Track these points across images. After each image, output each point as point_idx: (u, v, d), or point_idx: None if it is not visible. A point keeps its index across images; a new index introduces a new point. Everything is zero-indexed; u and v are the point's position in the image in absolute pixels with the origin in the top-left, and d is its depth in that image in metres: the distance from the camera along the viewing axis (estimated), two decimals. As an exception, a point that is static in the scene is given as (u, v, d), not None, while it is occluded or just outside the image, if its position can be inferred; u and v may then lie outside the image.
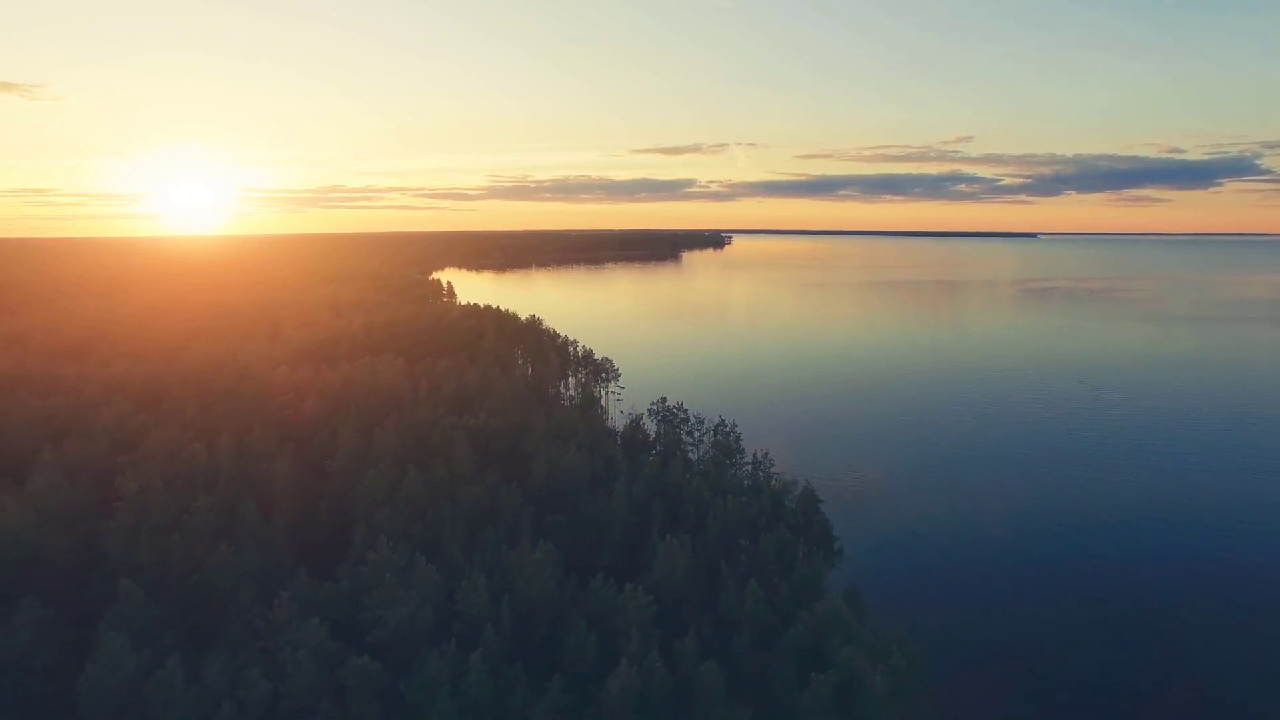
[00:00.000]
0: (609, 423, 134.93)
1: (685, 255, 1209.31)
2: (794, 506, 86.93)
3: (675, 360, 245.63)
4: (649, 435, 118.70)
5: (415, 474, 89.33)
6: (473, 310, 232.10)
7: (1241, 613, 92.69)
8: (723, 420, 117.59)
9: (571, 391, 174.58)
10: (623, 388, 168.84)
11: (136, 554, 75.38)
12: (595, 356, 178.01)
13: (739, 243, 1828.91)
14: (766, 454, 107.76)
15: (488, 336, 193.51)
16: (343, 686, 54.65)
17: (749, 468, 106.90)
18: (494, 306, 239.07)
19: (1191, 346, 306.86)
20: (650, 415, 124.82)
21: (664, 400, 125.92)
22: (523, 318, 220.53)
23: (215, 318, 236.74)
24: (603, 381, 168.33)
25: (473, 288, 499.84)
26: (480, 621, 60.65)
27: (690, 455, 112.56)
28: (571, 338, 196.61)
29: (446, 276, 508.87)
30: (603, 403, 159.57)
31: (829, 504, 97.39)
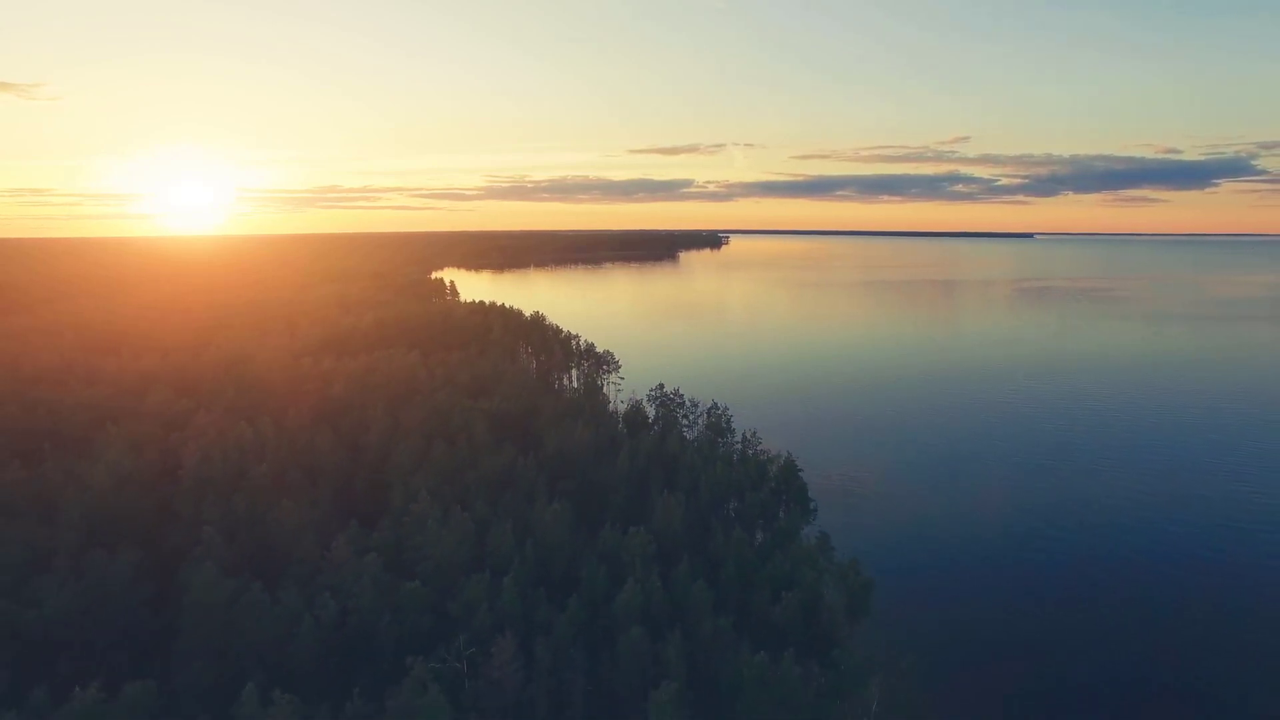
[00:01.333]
0: (611, 408, 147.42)
1: (682, 255, 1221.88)
2: (775, 473, 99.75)
3: (672, 356, 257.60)
4: (648, 417, 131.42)
5: (442, 446, 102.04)
6: (479, 307, 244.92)
7: (1240, 612, 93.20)
8: (715, 403, 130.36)
9: (574, 382, 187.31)
10: (623, 378, 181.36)
11: (204, 511, 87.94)
12: (596, 350, 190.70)
13: (736, 243, 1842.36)
14: (754, 433, 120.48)
15: (494, 331, 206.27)
16: (399, 606, 67.22)
17: (739, 446, 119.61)
18: (499, 304, 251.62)
19: (1187, 346, 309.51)
20: (649, 400, 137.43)
21: (661, 387, 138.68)
22: (526, 314, 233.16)
23: (229, 315, 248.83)
24: (604, 373, 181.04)
25: (473, 287, 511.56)
26: (508, 558, 73.31)
27: (686, 435, 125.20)
28: (573, 333, 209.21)
29: (447, 276, 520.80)
30: (604, 391, 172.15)
31: (825, 501, 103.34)
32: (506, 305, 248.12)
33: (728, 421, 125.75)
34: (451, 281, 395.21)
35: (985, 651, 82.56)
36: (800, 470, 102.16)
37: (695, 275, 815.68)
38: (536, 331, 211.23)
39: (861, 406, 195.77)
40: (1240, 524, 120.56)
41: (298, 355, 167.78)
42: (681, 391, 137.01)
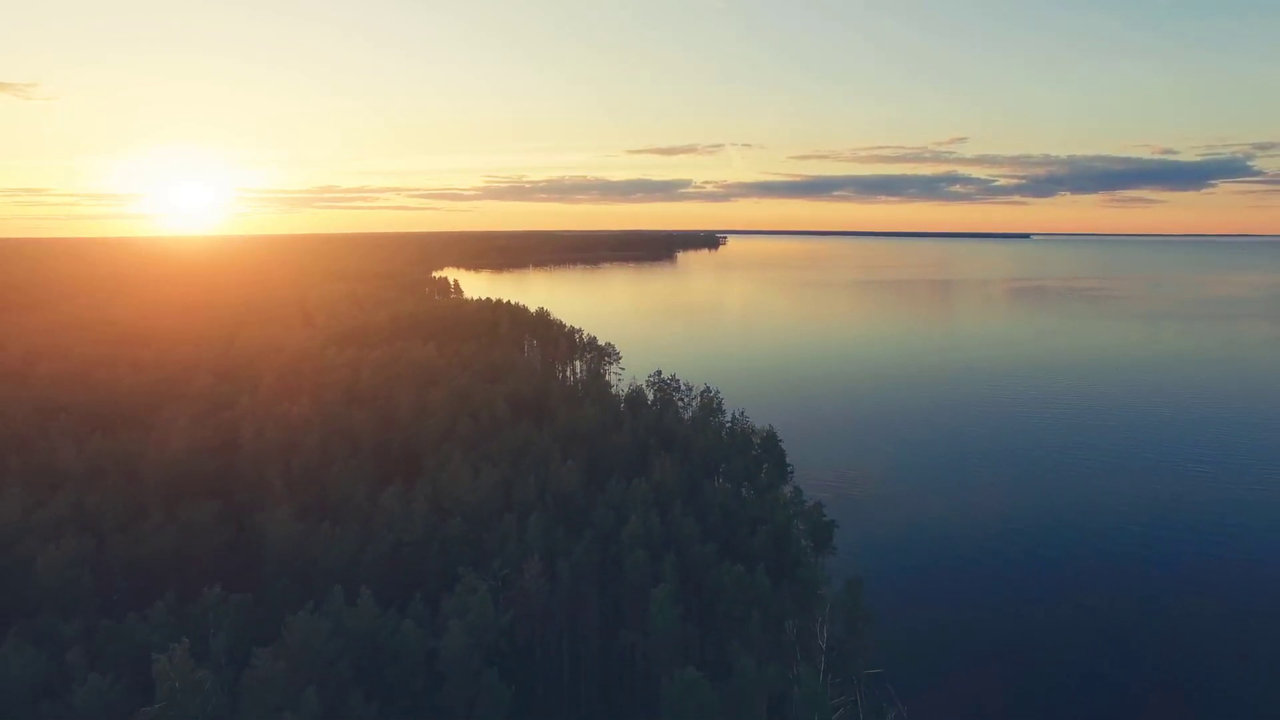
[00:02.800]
0: (613, 392, 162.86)
1: (680, 255, 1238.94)
2: (759, 443, 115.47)
3: (670, 353, 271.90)
4: (647, 399, 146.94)
5: (466, 420, 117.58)
6: (486, 304, 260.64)
7: (1238, 613, 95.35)
8: (708, 387, 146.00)
9: (578, 372, 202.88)
10: (623, 369, 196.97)
11: (266, 473, 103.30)
12: (599, 343, 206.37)
13: (734, 243, 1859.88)
14: (743, 413, 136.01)
15: (502, 326, 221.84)
16: (445, 539, 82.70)
17: (729, 424, 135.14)
18: (505, 301, 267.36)
19: (1183, 345, 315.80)
20: (648, 385, 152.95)
21: (659, 373, 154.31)
22: (531, 311, 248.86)
23: (246, 311, 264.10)
24: (605, 364, 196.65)
25: (474, 287, 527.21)
26: (531, 505, 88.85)
27: (681, 415, 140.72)
28: (576, 327, 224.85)
29: (448, 275, 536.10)
30: (606, 379, 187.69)
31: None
32: (512, 303, 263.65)
33: (719, 403, 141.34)
34: (455, 280, 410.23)
35: (981, 650, 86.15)
36: (780, 440, 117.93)
37: (693, 275, 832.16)
38: (542, 326, 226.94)
39: (856, 404, 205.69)
40: (1238, 524, 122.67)
41: (323, 346, 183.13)
42: (677, 377, 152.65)
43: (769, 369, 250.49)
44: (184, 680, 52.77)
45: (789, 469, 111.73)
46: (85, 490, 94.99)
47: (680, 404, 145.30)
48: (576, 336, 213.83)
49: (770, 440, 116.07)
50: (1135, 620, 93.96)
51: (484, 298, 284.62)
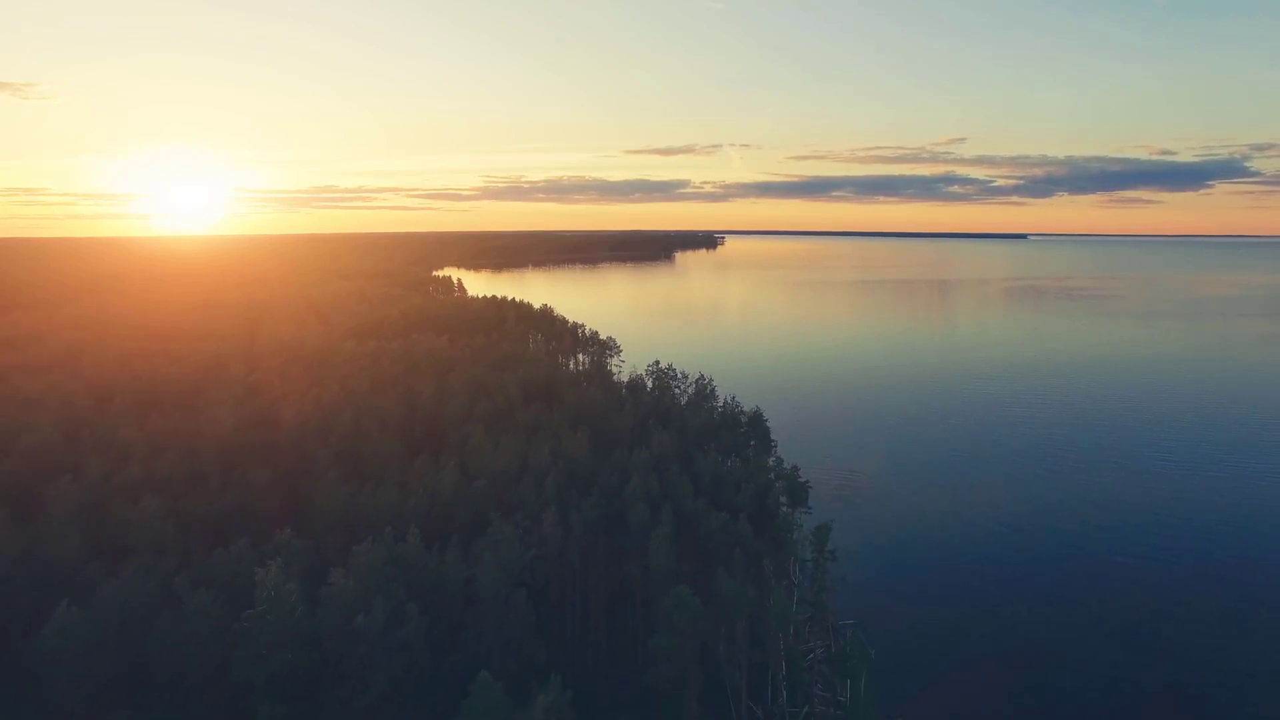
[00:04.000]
0: (615, 379, 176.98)
1: (679, 255, 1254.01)
2: (746, 421, 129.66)
3: (668, 350, 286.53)
4: (646, 386, 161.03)
5: (484, 402, 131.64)
6: (492, 300, 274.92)
7: (1234, 612, 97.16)
8: (701, 375, 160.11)
9: (582, 364, 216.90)
10: (623, 361, 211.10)
11: (308, 447, 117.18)
12: (600, 336, 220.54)
13: (732, 244, 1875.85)
14: (734, 397, 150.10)
15: (509, 321, 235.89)
16: (471, 499, 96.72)
17: (721, 408, 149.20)
18: (510, 298, 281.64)
19: (1180, 346, 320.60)
20: (647, 374, 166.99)
21: (657, 362, 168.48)
22: (535, 307, 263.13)
23: (258, 309, 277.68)
24: (608, 356, 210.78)
25: (475, 286, 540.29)
26: (546, 470, 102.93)
27: (679, 400, 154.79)
28: (579, 323, 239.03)
29: (449, 275, 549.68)
30: (609, 369, 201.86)
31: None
32: (517, 300, 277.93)
33: (712, 389, 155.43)
34: (459, 279, 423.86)
35: (978, 651, 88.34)
36: (766, 419, 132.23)
37: (690, 275, 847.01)
38: (546, 321, 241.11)
39: (849, 400, 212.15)
40: (1236, 524, 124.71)
41: (343, 338, 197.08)
42: (674, 366, 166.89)
43: (764, 365, 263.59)
44: (278, 589, 66.82)
45: (773, 444, 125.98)
46: (151, 460, 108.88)
47: (677, 390, 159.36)
48: (579, 331, 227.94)
49: (756, 419, 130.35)
50: (1129, 615, 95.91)
51: (489, 295, 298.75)
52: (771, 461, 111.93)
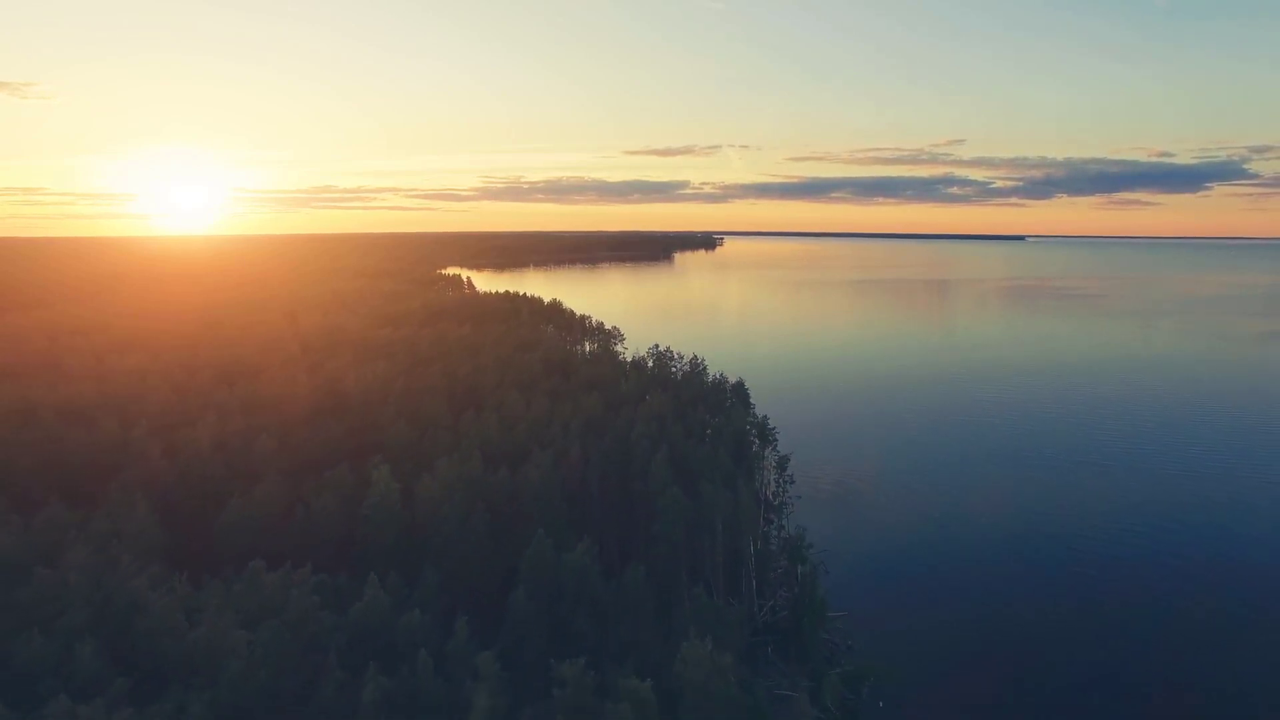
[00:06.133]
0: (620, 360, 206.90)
1: (678, 256, 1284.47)
2: (729, 390, 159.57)
3: (667, 343, 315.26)
4: (647, 365, 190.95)
5: (513, 374, 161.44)
6: (507, 295, 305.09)
7: (1233, 612, 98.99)
8: (695, 355, 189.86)
9: (590, 350, 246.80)
10: (626, 349, 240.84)
11: (372, 406, 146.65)
12: (606, 326, 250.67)
13: (731, 244, 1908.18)
14: (722, 374, 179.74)
15: (522, 313, 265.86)
16: (515, 438, 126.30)
17: (710, 380, 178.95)
18: (520, 293, 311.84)
19: (1177, 346, 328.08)
20: (648, 355, 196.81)
21: (656, 346, 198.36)
22: (545, 301, 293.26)
23: (286, 302, 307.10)
24: (613, 343, 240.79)
25: (481, 285, 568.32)
26: (568, 420, 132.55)
27: (675, 376, 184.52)
28: (586, 314, 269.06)
29: (458, 274, 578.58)
30: (614, 351, 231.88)
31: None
32: (528, 295, 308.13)
33: (704, 367, 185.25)
34: (468, 277, 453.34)
35: (976, 651, 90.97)
36: (749, 391, 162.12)
37: (689, 275, 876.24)
38: (556, 314, 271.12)
39: (848, 401, 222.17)
40: (1234, 524, 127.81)
41: (378, 326, 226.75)
42: (671, 349, 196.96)
43: (763, 365, 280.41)
44: (388, 486, 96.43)
45: (752, 405, 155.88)
46: (248, 415, 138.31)
47: (674, 368, 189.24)
48: (586, 322, 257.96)
49: (739, 388, 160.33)
50: (1129, 615, 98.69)
51: (502, 291, 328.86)
52: (749, 416, 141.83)
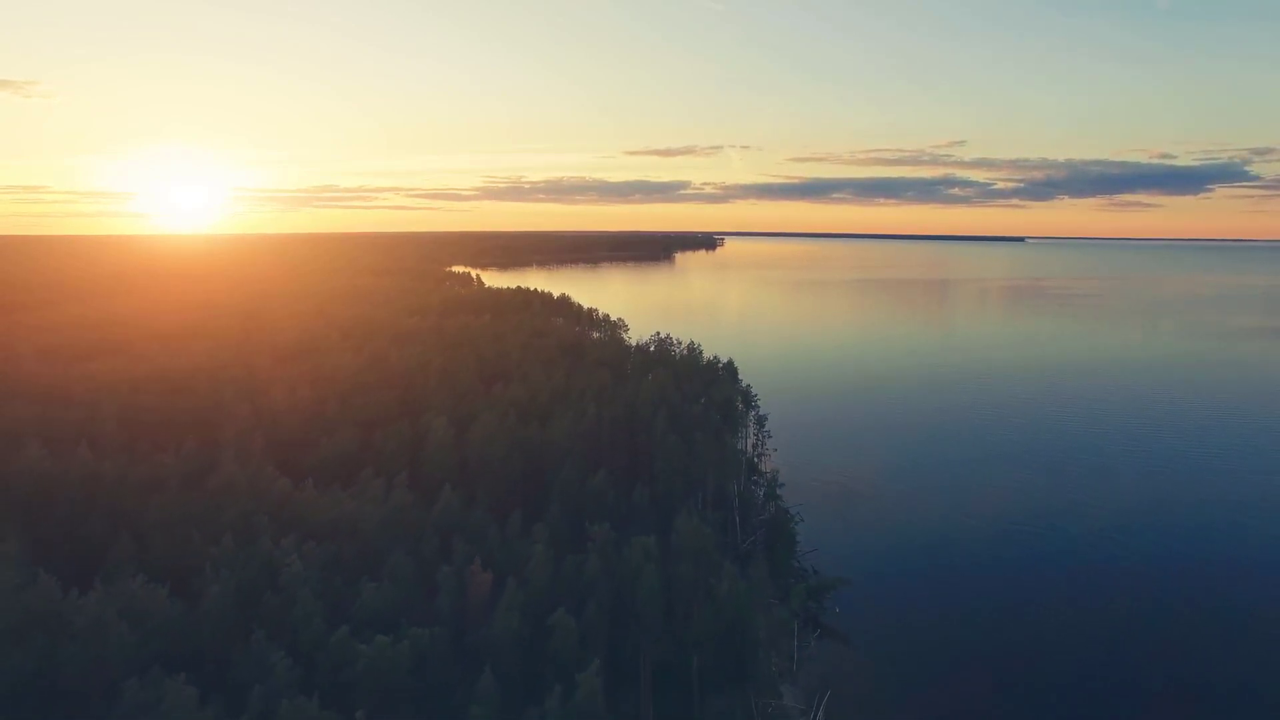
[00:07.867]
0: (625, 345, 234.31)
1: (679, 256, 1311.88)
2: (722, 369, 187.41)
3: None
4: (650, 349, 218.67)
5: (532, 353, 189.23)
6: (518, 290, 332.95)
7: (1232, 612, 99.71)
8: (693, 341, 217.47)
9: (598, 338, 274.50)
10: (632, 338, 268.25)
11: (414, 380, 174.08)
12: (612, 318, 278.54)
13: (732, 245, 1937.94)
14: (715, 357, 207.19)
15: (534, 306, 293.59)
16: (540, 401, 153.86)
17: (705, 361, 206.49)
18: (531, 289, 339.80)
19: (1176, 347, 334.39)
20: (650, 341, 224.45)
21: (657, 333, 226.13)
22: (554, 296, 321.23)
23: (312, 297, 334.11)
24: (618, 333, 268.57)
25: (487, 283, 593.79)
26: (583, 389, 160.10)
27: (674, 357, 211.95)
28: (593, 308, 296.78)
29: (465, 271, 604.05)
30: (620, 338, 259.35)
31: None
32: (539, 290, 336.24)
33: (700, 351, 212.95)
34: (477, 275, 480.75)
35: (975, 651, 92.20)
36: (740, 377, 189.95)
37: (690, 275, 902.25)
38: (565, 307, 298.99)
39: (846, 401, 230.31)
40: (1233, 524, 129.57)
41: (406, 316, 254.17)
42: (671, 335, 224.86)
43: (762, 364, 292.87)
44: (443, 431, 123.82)
45: (740, 382, 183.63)
46: (311, 388, 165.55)
47: (673, 351, 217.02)
48: (594, 314, 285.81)
49: (729, 367, 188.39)
50: (1127, 615, 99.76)
51: (512, 287, 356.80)
52: (736, 386, 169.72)
